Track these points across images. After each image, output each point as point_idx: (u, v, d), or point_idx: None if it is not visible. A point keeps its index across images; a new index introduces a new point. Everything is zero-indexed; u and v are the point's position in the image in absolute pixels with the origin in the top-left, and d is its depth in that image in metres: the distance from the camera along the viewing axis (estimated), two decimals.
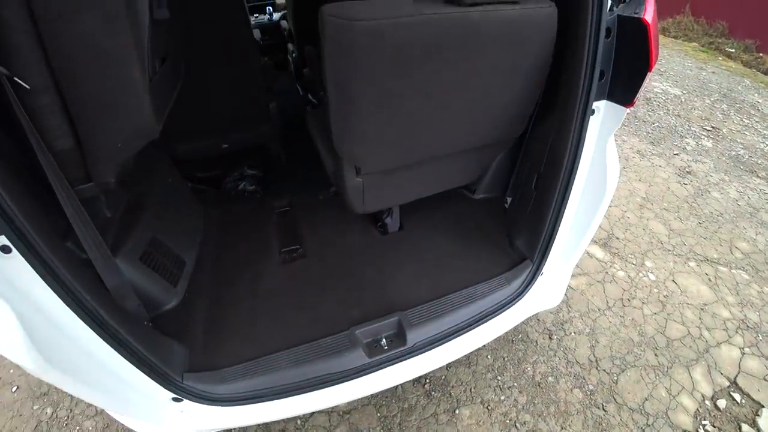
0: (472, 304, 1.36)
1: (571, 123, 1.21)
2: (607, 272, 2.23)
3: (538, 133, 1.50)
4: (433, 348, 1.30)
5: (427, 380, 1.75)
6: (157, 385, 1.18)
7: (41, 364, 0.93)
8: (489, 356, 1.82)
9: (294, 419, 1.68)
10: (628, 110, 1.17)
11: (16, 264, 0.81)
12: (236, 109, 2.00)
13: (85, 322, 0.96)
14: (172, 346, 1.30)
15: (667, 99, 4.34)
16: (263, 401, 1.25)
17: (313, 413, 1.69)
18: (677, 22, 6.58)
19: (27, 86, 0.90)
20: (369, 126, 1.20)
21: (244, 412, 1.26)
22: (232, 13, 1.84)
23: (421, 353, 1.30)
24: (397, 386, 1.73)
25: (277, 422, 1.67)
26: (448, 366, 1.79)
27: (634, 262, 2.30)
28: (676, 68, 5.20)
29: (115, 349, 1.05)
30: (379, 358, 1.27)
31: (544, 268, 1.42)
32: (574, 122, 1.20)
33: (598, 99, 1.18)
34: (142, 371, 1.13)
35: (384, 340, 1.31)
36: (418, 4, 1.03)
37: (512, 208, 1.63)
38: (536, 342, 1.87)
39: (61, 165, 1.02)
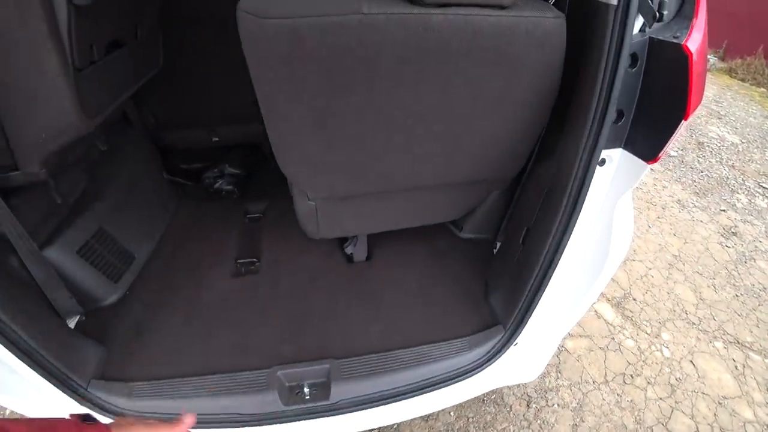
0: (421, 367, 1.10)
1: (570, 172, 0.91)
2: (613, 338, 1.89)
3: (536, 177, 1.20)
4: (362, 409, 1.06)
5: (377, 430, 1.51)
6: (53, 389, 1.03)
7: None
8: (452, 413, 1.55)
9: None
10: (650, 167, 0.87)
11: None
12: (231, 102, 1.84)
13: None
14: (87, 348, 1.16)
15: (723, 146, 3.80)
16: None
17: None
18: (747, 63, 5.85)
19: None
20: (305, 147, 0.97)
21: None
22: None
23: (346, 413, 1.06)
24: None
25: None
26: None
27: (649, 332, 1.94)
28: (738, 113, 4.58)
29: (5, 345, 0.93)
30: (296, 407, 1.05)
31: (518, 337, 1.13)
32: (575, 172, 0.90)
33: (611, 146, 0.87)
34: (37, 371, 0.98)
35: (307, 389, 1.08)
36: (369, 1, 0.79)
37: (497, 257, 1.35)
38: (510, 407, 1.58)
39: None
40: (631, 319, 1.99)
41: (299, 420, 1.06)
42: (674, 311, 2.06)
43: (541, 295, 1.03)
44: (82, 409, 1.08)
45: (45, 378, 1.01)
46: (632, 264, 2.31)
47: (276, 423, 1.05)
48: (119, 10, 1.27)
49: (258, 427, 1.06)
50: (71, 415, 0.53)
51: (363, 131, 0.94)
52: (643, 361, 1.80)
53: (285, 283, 1.39)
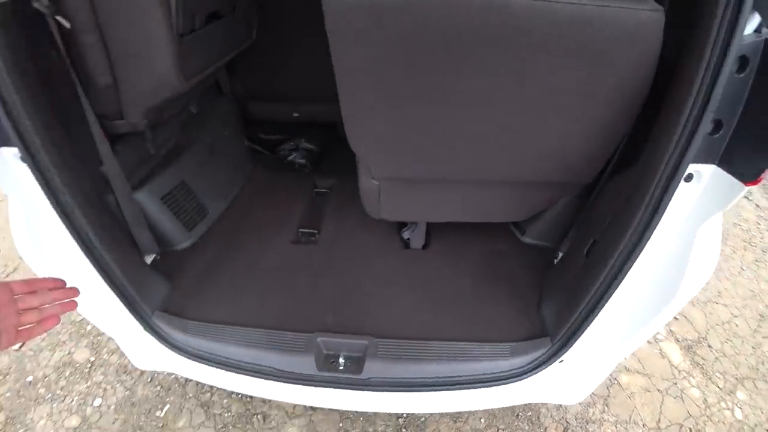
0: (457, 363, 1.08)
1: (650, 183, 0.82)
2: (676, 383, 1.70)
3: (611, 185, 1.11)
4: (391, 391, 1.06)
5: (405, 415, 1.51)
6: (127, 312, 1.16)
7: (32, 255, 1.13)
8: (482, 420, 1.50)
9: (267, 400, 1.58)
10: (747, 189, 0.76)
11: (26, 172, 0.91)
12: (314, 81, 1.92)
13: (74, 237, 1.00)
14: (157, 282, 1.29)
15: None
16: (210, 365, 1.16)
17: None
18: None
19: (67, 25, 0.97)
20: (374, 125, 0.98)
21: (195, 369, 1.21)
22: None
23: (376, 391, 1.07)
24: None
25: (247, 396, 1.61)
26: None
27: (721, 386, 1.72)
28: None
29: (97, 268, 1.06)
30: (328, 375, 1.08)
31: (565, 354, 1.06)
32: (655, 183, 0.80)
33: (701, 161, 0.77)
34: (117, 295, 1.12)
35: (342, 359, 1.10)
36: None
37: (557, 267, 1.27)
38: (545, 429, 1.49)
39: (102, 101, 1.15)
40: (702, 367, 1.78)
41: (329, 387, 1.09)
42: (757, 370, 1.81)
43: (597, 313, 0.95)
44: (147, 335, 1.21)
45: (121, 301, 1.14)
46: (714, 307, 2.05)
47: (306, 385, 1.09)
48: None
49: (289, 385, 1.11)
50: None
51: (432, 114, 0.93)
52: (708, 417, 1.61)
53: (339, 258, 1.43)
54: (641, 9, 0.77)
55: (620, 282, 0.90)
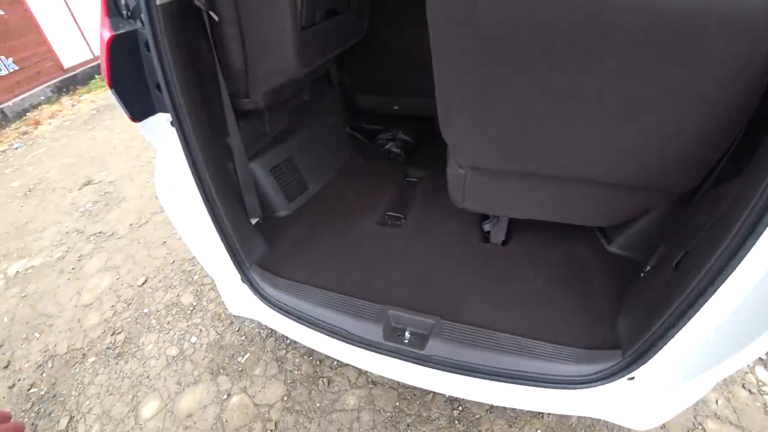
0: (518, 358, 1.08)
1: (754, 192, 0.74)
2: None
3: (712, 196, 1.02)
4: (450, 372, 1.10)
5: (460, 406, 1.53)
6: (230, 262, 1.35)
7: (168, 201, 1.35)
8: (539, 430, 1.46)
9: (330, 360, 1.71)
10: None
11: (173, 134, 1.11)
12: (416, 77, 2.01)
13: (200, 192, 1.20)
14: (258, 241, 1.47)
15: None
16: (291, 319, 1.31)
17: (348, 364, 1.69)
18: None
19: (216, 18, 1.19)
20: (466, 113, 1.02)
21: (278, 320, 1.36)
22: None
23: (437, 369, 1.12)
24: (429, 392, 1.58)
25: (318, 359, 1.75)
26: (491, 409, 1.52)
27: None
28: None
29: (213, 220, 1.26)
30: (392, 345, 1.16)
31: (637, 371, 1.01)
32: (759, 193, 0.73)
33: None
34: (225, 246, 1.31)
35: (408, 333, 1.17)
36: None
37: (642, 280, 1.19)
38: None
39: (234, 82, 1.36)
40: None
41: (390, 356, 1.16)
42: None
43: (678, 330, 0.89)
44: (243, 285, 1.38)
45: (228, 252, 1.33)
46: None
47: (371, 351, 1.18)
48: None
49: (356, 348, 1.20)
50: None
51: (523, 106, 0.95)
52: None
53: (420, 243, 1.51)
54: None
55: (709, 297, 0.83)
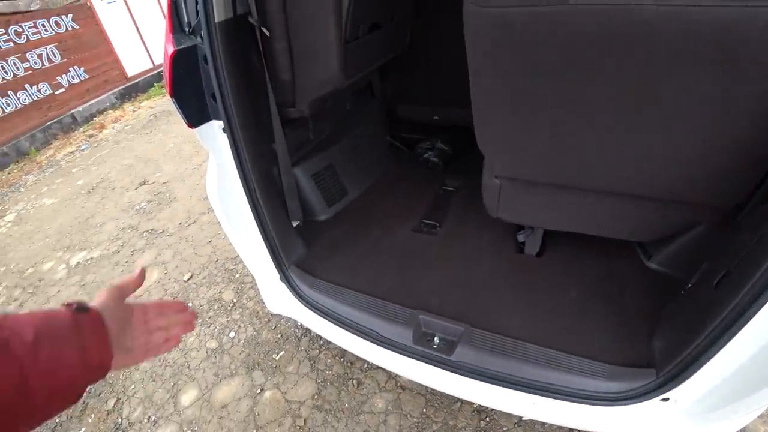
0: (547, 370, 1.07)
1: None
2: None
3: (757, 214, 0.98)
4: (478, 380, 1.12)
5: (488, 417, 1.53)
6: (271, 261, 1.43)
7: (217, 201, 1.44)
8: None
9: (361, 362, 1.75)
10: None
11: (225, 140, 1.21)
12: (455, 88, 2.05)
13: (246, 194, 1.29)
14: (297, 243, 1.54)
15: None
16: (326, 319, 1.36)
17: (378, 368, 1.72)
18: None
19: (267, 33, 1.29)
20: (501, 125, 1.04)
21: (313, 319, 1.41)
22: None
23: (464, 376, 1.13)
24: (457, 400, 1.58)
25: (349, 360, 1.79)
26: (519, 422, 1.51)
27: None
28: None
29: (257, 221, 1.35)
30: (421, 349, 1.18)
31: (672, 392, 0.98)
32: None
33: None
34: (266, 246, 1.39)
35: (437, 339, 1.20)
36: None
37: (682, 298, 1.15)
38: None
39: (281, 92, 1.45)
40: None
41: (418, 360, 1.19)
42: None
43: (716, 351, 0.86)
44: (281, 285, 1.45)
45: (269, 252, 1.40)
46: None
47: (400, 354, 1.21)
48: (383, 3, 1.57)
49: (386, 350, 1.23)
50: (65, 305, 0.51)
51: (558, 119, 0.96)
52: None
53: (454, 251, 1.53)
54: None
55: (750, 318, 0.80)
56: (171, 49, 1.12)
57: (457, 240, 1.59)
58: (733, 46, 0.73)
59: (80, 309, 0.51)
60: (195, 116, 1.22)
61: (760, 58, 0.74)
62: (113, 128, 5.25)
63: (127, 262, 2.69)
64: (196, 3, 1.08)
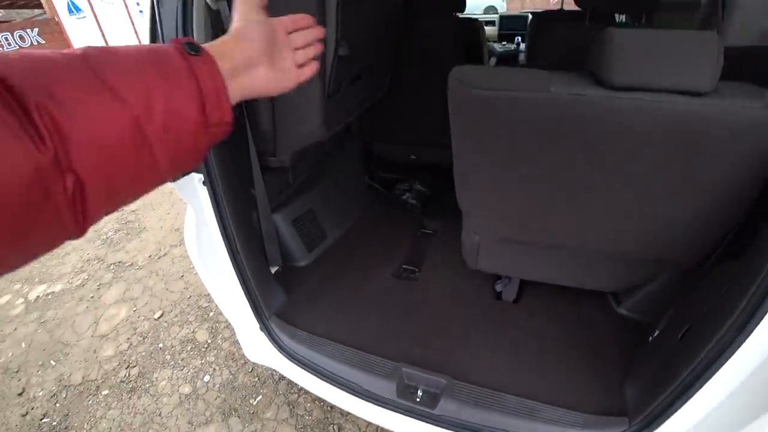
0: (526, 420, 1.11)
1: (755, 276, 0.79)
2: None
3: (716, 271, 1.07)
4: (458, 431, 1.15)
5: None
6: (251, 312, 1.42)
7: (195, 253, 1.42)
8: None
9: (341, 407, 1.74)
10: None
11: (204, 193, 1.20)
12: (431, 128, 2.13)
13: (225, 244, 1.28)
14: (277, 291, 1.53)
15: None
16: (307, 371, 1.36)
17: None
18: None
19: None
20: (480, 190, 1.11)
21: (294, 370, 1.40)
22: (448, 49, 1.96)
23: (447, 429, 1.16)
24: None
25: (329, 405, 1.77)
26: None
27: None
28: None
29: (236, 272, 1.33)
30: (405, 403, 1.20)
31: None
32: (760, 277, 0.78)
33: None
34: (246, 296, 1.38)
35: (420, 392, 1.22)
36: (558, 79, 0.86)
37: (650, 345, 1.23)
38: None
39: (262, 141, 1.45)
40: None
41: (402, 414, 1.20)
42: None
43: (683, 403, 0.93)
44: (261, 334, 1.44)
45: (249, 302, 1.39)
46: None
47: (384, 408, 1.22)
48: (366, 55, 1.62)
49: (369, 404, 1.24)
50: (173, 41, 0.44)
51: (533, 189, 1.03)
52: None
53: (434, 298, 1.56)
54: (752, 106, 0.78)
55: (715, 371, 0.87)
56: None
57: (436, 286, 1.63)
58: (695, 136, 0.83)
59: (192, 50, 0.43)
60: None
61: (718, 146, 0.84)
62: None
63: (92, 297, 2.58)
64: None
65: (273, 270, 1.60)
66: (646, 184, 0.95)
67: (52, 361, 2.15)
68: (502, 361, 1.30)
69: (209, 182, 1.19)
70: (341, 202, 1.98)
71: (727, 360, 0.86)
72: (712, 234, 1.03)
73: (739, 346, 0.84)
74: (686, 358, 0.94)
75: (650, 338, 1.28)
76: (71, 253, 3.04)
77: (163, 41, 1.11)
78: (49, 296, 2.66)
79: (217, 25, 1.14)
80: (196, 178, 1.23)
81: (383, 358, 1.30)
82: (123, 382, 1.98)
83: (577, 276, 1.36)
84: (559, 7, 2.83)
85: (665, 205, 0.98)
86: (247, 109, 1.34)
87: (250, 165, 1.40)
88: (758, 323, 0.80)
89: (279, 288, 1.54)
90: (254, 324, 1.45)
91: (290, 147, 1.49)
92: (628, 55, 0.81)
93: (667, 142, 0.86)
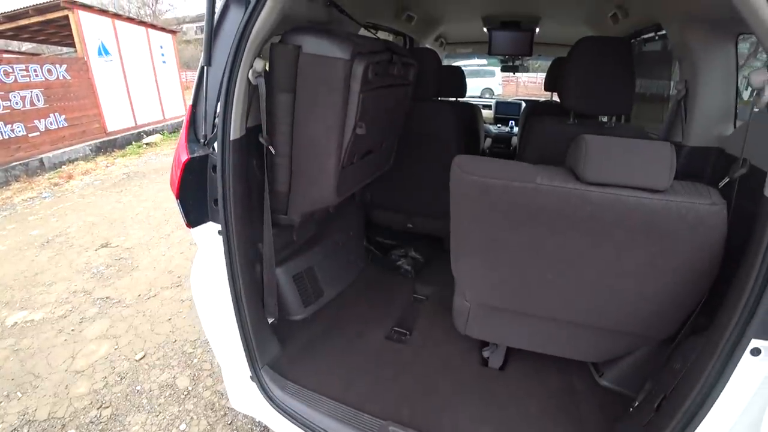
0: None
1: (713, 352, 0.90)
2: None
3: (687, 345, 1.17)
4: None
5: None
6: (245, 360, 1.47)
7: (200, 293, 1.48)
8: None
9: None
10: None
11: (219, 241, 1.29)
12: (428, 200, 2.30)
13: (231, 291, 1.36)
14: (272, 342, 1.58)
15: None
16: (295, 424, 1.38)
17: None
18: None
19: (273, 151, 1.46)
20: (473, 261, 1.25)
21: (281, 423, 1.42)
22: (448, 132, 2.21)
23: None
24: None
25: None
26: None
27: None
28: None
29: (237, 317, 1.40)
30: None
31: None
32: (718, 353, 0.89)
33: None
34: (242, 342, 1.44)
35: None
36: (543, 172, 1.06)
37: (631, 414, 1.29)
38: None
39: (276, 200, 1.59)
40: None
41: None
42: None
43: None
44: (251, 385, 1.48)
45: (244, 348, 1.44)
46: None
47: None
48: (379, 134, 1.82)
49: None
50: None
51: (520, 262, 1.19)
52: None
53: (423, 362, 1.62)
54: (701, 203, 0.96)
55: None
56: (185, 157, 1.25)
57: (426, 349, 1.70)
58: (656, 225, 1.02)
59: None
60: (194, 218, 1.32)
61: (676, 234, 1.02)
62: (82, 180, 5.17)
63: (73, 330, 2.54)
64: (215, 121, 1.24)
65: (269, 321, 1.67)
66: (615, 263, 1.11)
67: (18, 393, 2.09)
68: (487, 427, 1.35)
69: (225, 234, 1.30)
70: (340, 262, 2.10)
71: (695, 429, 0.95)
72: (679, 309, 1.17)
73: (702, 420, 0.94)
74: (661, 428, 1.03)
75: (630, 409, 1.34)
76: (58, 283, 3.03)
77: (206, 102, 1.27)
78: (28, 324, 2.62)
79: (252, 96, 1.33)
80: (212, 227, 1.34)
81: (371, 416, 1.34)
82: (92, 422, 1.92)
83: (560, 346, 1.46)
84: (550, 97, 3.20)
85: (634, 281, 1.14)
86: (267, 169, 1.48)
87: (262, 220, 1.51)
88: (716, 398, 0.91)
89: (274, 338, 1.60)
90: (246, 372, 1.48)
91: (302, 208, 1.61)
92: (599, 158, 1.01)
93: (632, 228, 1.04)
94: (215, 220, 1.31)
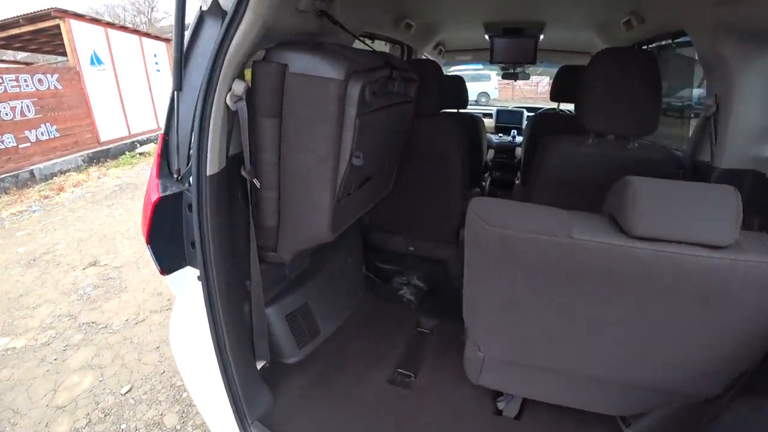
0: None
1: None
2: None
3: (740, 407, 1.03)
4: None
5: None
6: (232, 416, 1.29)
7: (179, 347, 1.31)
8: None
9: None
10: None
11: (198, 287, 1.12)
12: (431, 222, 2.12)
13: (213, 340, 1.18)
14: (262, 392, 1.39)
15: None
16: None
17: None
18: None
19: (258, 185, 1.25)
20: (489, 315, 1.08)
21: None
22: (452, 149, 2.00)
23: None
24: None
25: None
26: None
27: None
28: None
29: (221, 369, 1.22)
30: None
31: None
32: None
33: None
34: (228, 396, 1.26)
35: None
36: (580, 223, 0.87)
37: None
38: None
39: (263, 236, 1.38)
40: None
41: None
42: None
43: None
44: None
45: (231, 403, 1.25)
46: None
47: None
48: (379, 160, 1.63)
49: None
50: None
51: (548, 323, 1.01)
52: None
53: (430, 410, 1.44)
54: None
55: None
56: (155, 196, 1.07)
57: (432, 395, 1.52)
58: (714, 288, 0.83)
59: None
60: (169, 264, 1.15)
61: (737, 297, 0.84)
62: (72, 192, 4.98)
63: (56, 359, 2.36)
64: (189, 153, 1.06)
65: (259, 365, 1.49)
66: (661, 327, 0.94)
67: None
68: None
69: (205, 279, 1.11)
70: (338, 294, 1.90)
71: None
72: (729, 370, 1.00)
73: None
74: None
75: None
76: (42, 306, 2.85)
77: (178, 131, 1.09)
78: (9, 352, 2.44)
79: (232, 122, 1.14)
80: (190, 272, 1.16)
81: None
82: None
83: (584, 399, 1.28)
84: (555, 106, 2.99)
85: (681, 344, 0.96)
86: (252, 203, 1.29)
87: (248, 258, 1.33)
88: None
89: (264, 388, 1.42)
90: (234, 430, 1.31)
91: (292, 246, 1.41)
92: (650, 207, 0.81)
93: (685, 291, 0.85)
94: (193, 265, 1.13)
